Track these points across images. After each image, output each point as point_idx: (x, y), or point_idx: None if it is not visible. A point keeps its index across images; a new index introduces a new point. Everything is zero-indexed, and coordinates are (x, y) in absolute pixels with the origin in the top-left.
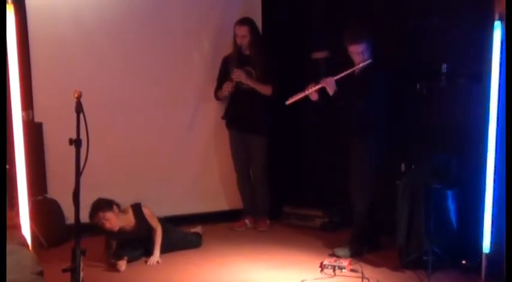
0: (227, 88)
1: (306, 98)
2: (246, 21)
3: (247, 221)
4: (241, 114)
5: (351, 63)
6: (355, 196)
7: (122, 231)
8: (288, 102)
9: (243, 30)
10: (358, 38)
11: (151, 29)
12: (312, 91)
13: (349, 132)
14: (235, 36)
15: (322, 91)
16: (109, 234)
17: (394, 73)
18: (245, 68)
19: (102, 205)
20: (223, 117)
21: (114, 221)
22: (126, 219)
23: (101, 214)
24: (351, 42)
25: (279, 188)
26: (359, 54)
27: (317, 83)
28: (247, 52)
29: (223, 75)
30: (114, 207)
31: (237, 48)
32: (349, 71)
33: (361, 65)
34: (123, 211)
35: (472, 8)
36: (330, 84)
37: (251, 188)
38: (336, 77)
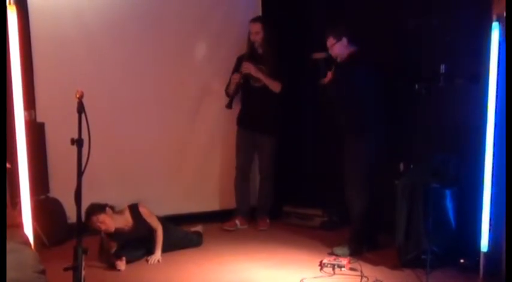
0: (235, 79)
1: (305, 99)
2: (259, 19)
3: (237, 222)
4: (252, 115)
5: None
6: (351, 196)
7: (120, 232)
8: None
9: (256, 27)
10: (325, 35)
11: (152, 29)
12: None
13: (343, 133)
14: (249, 33)
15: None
16: (109, 236)
17: (394, 73)
18: (258, 66)
19: (95, 209)
20: (226, 106)
21: (108, 222)
22: (122, 220)
23: (94, 218)
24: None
25: (279, 187)
26: (330, 49)
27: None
28: (260, 50)
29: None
30: (107, 209)
31: (250, 44)
32: (333, 66)
33: (335, 60)
34: (118, 212)
35: (470, 10)
36: (328, 76)
37: (247, 187)
38: (330, 71)
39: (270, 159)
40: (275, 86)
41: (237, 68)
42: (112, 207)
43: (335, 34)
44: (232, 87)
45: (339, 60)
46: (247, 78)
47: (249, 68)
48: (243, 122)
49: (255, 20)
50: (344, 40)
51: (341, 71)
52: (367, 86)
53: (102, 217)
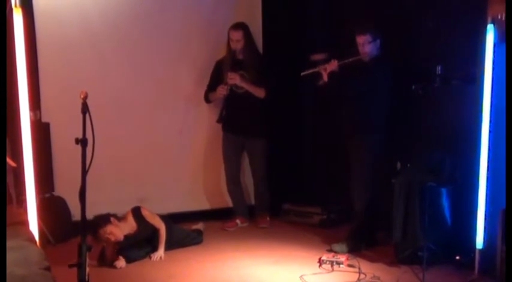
0: (222, 91)
1: (304, 99)
2: (240, 26)
3: (238, 221)
4: (239, 119)
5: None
6: (354, 195)
7: (127, 237)
8: (302, 74)
9: (238, 35)
10: (362, 29)
11: (155, 31)
12: (320, 69)
13: (350, 132)
14: (229, 40)
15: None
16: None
17: (396, 75)
18: (239, 72)
19: (100, 222)
20: (217, 121)
21: (116, 232)
22: (127, 225)
23: (102, 231)
24: (356, 31)
25: (278, 186)
26: (361, 46)
27: (327, 62)
28: (240, 56)
29: (216, 79)
30: (112, 219)
31: (231, 52)
32: (350, 60)
33: (358, 57)
34: (122, 219)
35: (466, 12)
36: (331, 65)
37: (241, 190)
38: (340, 62)
39: (262, 162)
40: (259, 93)
41: (216, 73)
42: (115, 216)
43: (374, 33)
44: (218, 97)
45: (366, 59)
46: (231, 86)
47: (235, 78)
48: (230, 127)
49: (235, 27)
50: (378, 42)
51: (367, 70)
52: (387, 88)
53: (109, 229)
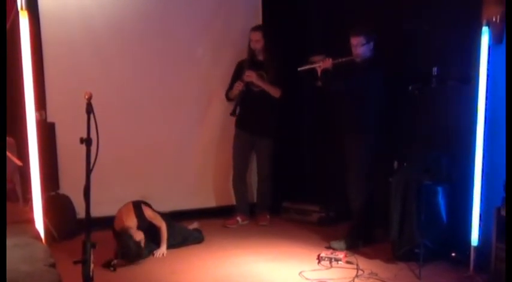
0: (238, 87)
1: (304, 101)
2: (260, 28)
3: (238, 219)
4: (251, 118)
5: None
6: (352, 193)
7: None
8: (299, 69)
9: (257, 35)
10: (356, 31)
11: (157, 33)
12: (316, 66)
13: (347, 131)
14: (250, 41)
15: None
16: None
17: (388, 75)
18: (258, 72)
19: (134, 249)
20: (231, 114)
21: (143, 239)
22: (135, 226)
23: (143, 254)
24: (350, 33)
25: (279, 184)
26: (354, 47)
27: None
28: (260, 57)
29: (236, 78)
30: (133, 237)
31: (251, 52)
32: (344, 59)
33: (351, 57)
34: (130, 221)
35: (461, 14)
36: (326, 62)
37: (245, 187)
38: (334, 61)
39: (268, 161)
40: (275, 92)
41: (237, 73)
42: (128, 230)
43: (367, 36)
44: (235, 93)
45: (358, 60)
46: (248, 84)
47: (251, 76)
48: (242, 124)
49: (255, 28)
50: (371, 44)
51: (358, 70)
52: (379, 88)
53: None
